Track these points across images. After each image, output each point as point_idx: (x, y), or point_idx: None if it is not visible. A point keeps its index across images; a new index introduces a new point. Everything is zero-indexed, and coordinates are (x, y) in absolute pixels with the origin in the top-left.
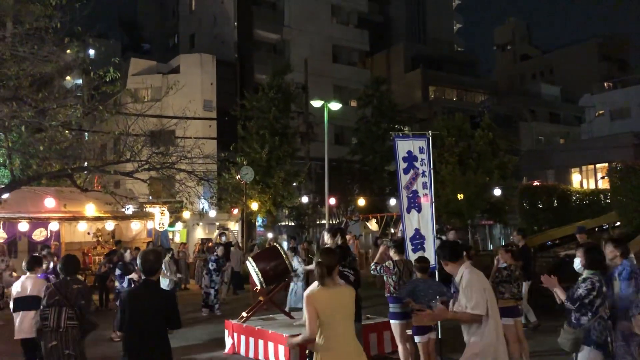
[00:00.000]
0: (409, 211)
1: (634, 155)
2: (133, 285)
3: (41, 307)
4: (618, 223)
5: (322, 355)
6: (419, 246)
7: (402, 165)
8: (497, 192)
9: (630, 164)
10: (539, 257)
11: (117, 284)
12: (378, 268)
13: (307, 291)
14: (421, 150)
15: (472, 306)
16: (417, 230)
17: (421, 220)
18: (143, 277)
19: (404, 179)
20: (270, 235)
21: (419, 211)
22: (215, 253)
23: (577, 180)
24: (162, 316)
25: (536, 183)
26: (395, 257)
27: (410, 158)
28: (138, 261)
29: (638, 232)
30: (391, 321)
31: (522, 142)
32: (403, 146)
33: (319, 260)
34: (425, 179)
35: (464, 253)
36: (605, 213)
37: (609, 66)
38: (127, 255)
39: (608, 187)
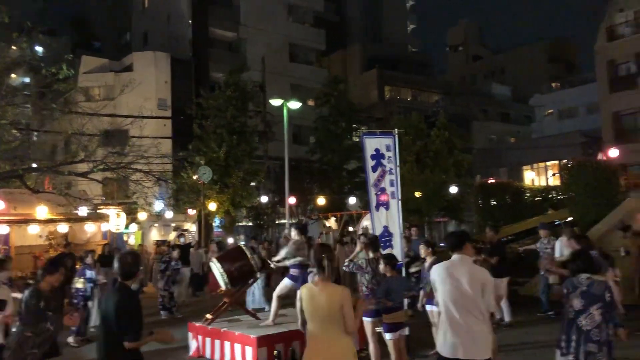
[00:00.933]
0: (377, 209)
1: (582, 152)
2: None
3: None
4: (570, 218)
5: (304, 353)
6: (388, 243)
7: (370, 163)
8: (454, 189)
9: (581, 161)
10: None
11: (79, 285)
12: (351, 266)
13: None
14: (388, 148)
15: None
16: (385, 228)
17: (389, 218)
18: (119, 279)
19: (372, 176)
20: (230, 240)
21: (387, 209)
22: (167, 255)
23: (529, 177)
24: (119, 323)
25: (491, 180)
26: (370, 255)
27: (378, 156)
28: (115, 263)
29: (590, 227)
30: (364, 319)
31: (475, 141)
32: (371, 144)
33: (324, 255)
34: (392, 177)
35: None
36: (557, 209)
37: (557, 67)
38: (89, 260)
39: (559, 183)
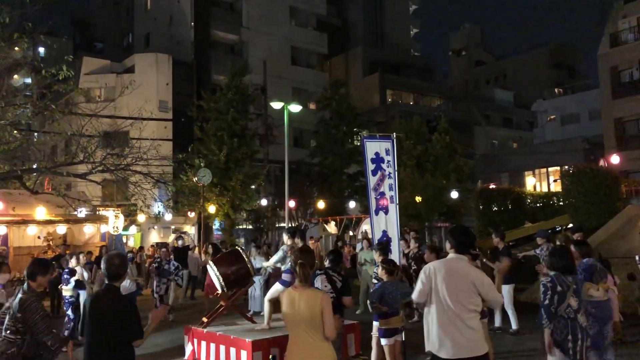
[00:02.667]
0: (377, 213)
1: (584, 159)
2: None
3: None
4: (570, 225)
5: (285, 357)
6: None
7: (371, 166)
8: (454, 194)
9: (582, 167)
10: None
11: (65, 292)
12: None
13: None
14: (387, 152)
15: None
16: (384, 232)
17: (388, 222)
18: (106, 281)
19: (372, 180)
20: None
21: (386, 213)
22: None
23: (530, 183)
24: (122, 324)
25: (492, 186)
26: (379, 259)
27: (378, 159)
28: (102, 265)
29: (590, 234)
30: (374, 322)
31: (477, 146)
32: (371, 147)
33: (301, 261)
34: (391, 181)
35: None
36: (558, 215)
37: (559, 73)
38: (73, 262)
39: (560, 189)
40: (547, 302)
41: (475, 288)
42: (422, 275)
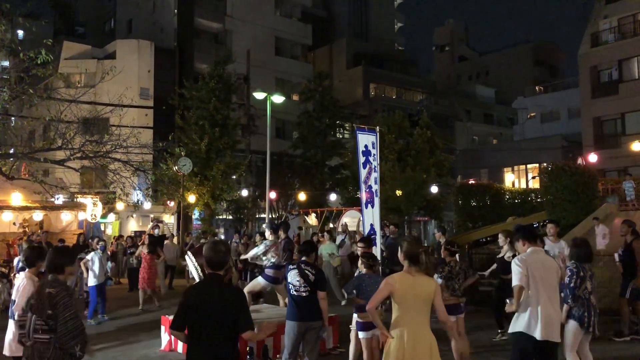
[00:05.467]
0: (366, 206)
1: (563, 156)
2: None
3: (21, 312)
4: (547, 220)
5: (393, 341)
6: (373, 241)
7: (362, 159)
8: (434, 189)
9: (560, 164)
10: (474, 253)
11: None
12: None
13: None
14: (373, 145)
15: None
16: (371, 226)
17: (374, 216)
18: (208, 270)
19: (363, 173)
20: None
21: (372, 206)
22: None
23: (509, 179)
24: (230, 316)
25: (472, 181)
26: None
27: (367, 152)
28: (205, 252)
29: (567, 231)
30: (354, 315)
31: (458, 141)
32: (362, 140)
33: (423, 249)
34: (376, 174)
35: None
36: (535, 211)
37: (540, 71)
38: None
39: (538, 186)
40: (572, 284)
41: (558, 276)
42: (518, 264)
